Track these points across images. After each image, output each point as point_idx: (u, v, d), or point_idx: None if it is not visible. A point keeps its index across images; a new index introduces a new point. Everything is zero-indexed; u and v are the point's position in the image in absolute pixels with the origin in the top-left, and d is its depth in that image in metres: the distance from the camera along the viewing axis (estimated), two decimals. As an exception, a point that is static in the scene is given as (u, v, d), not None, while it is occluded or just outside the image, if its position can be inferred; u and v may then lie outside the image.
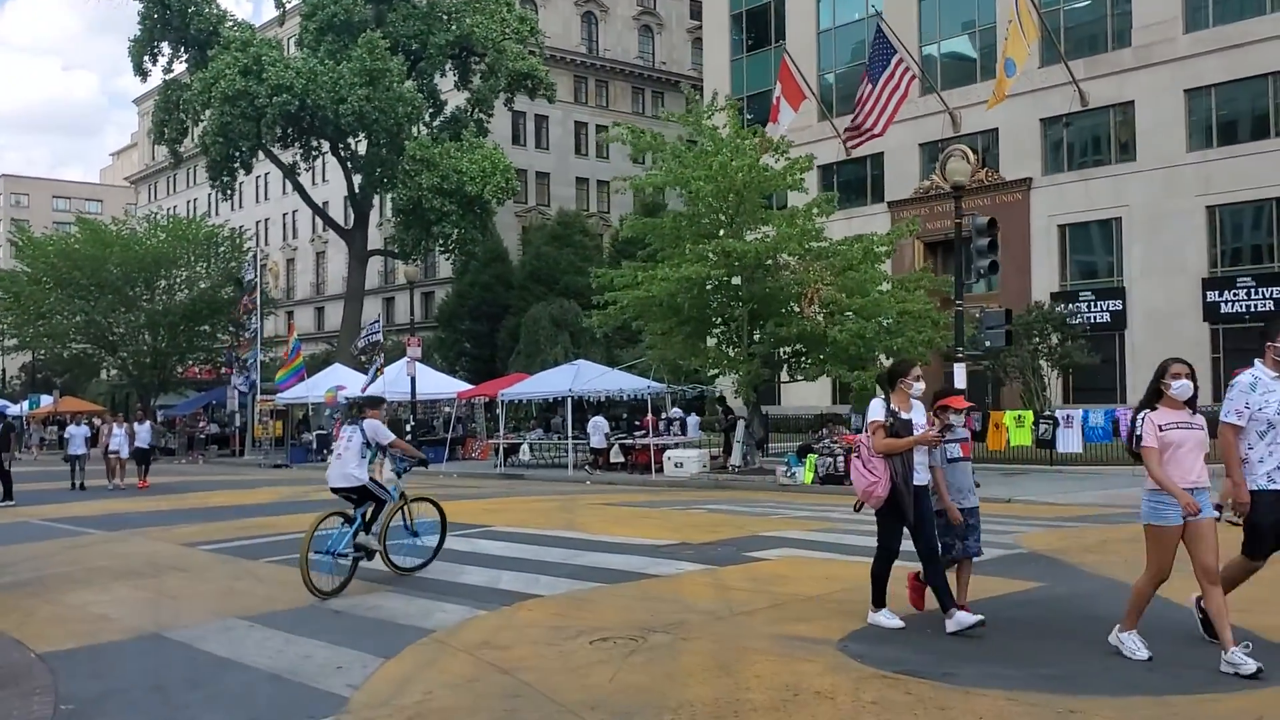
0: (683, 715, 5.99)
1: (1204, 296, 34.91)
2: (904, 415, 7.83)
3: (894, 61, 36.13)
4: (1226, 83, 34.72)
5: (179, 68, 51.09)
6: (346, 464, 10.65)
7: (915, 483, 7.78)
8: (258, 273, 41.86)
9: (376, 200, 53.10)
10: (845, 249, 24.32)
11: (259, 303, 41.68)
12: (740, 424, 25.73)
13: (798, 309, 23.68)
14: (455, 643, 8.12)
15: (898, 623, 8.01)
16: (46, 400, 56.92)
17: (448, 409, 40.04)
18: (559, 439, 32.26)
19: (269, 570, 12.17)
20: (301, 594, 10.45)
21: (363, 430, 10.71)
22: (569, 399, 29.41)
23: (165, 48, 49.75)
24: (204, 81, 43.34)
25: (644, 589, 10.06)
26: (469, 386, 38.26)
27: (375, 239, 57.57)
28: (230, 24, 47.77)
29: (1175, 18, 35.76)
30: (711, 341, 26.46)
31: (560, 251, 55.29)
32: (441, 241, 46.21)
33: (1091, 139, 38.68)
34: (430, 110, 48.46)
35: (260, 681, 7.28)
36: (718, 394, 33.89)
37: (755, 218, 24.78)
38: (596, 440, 28.53)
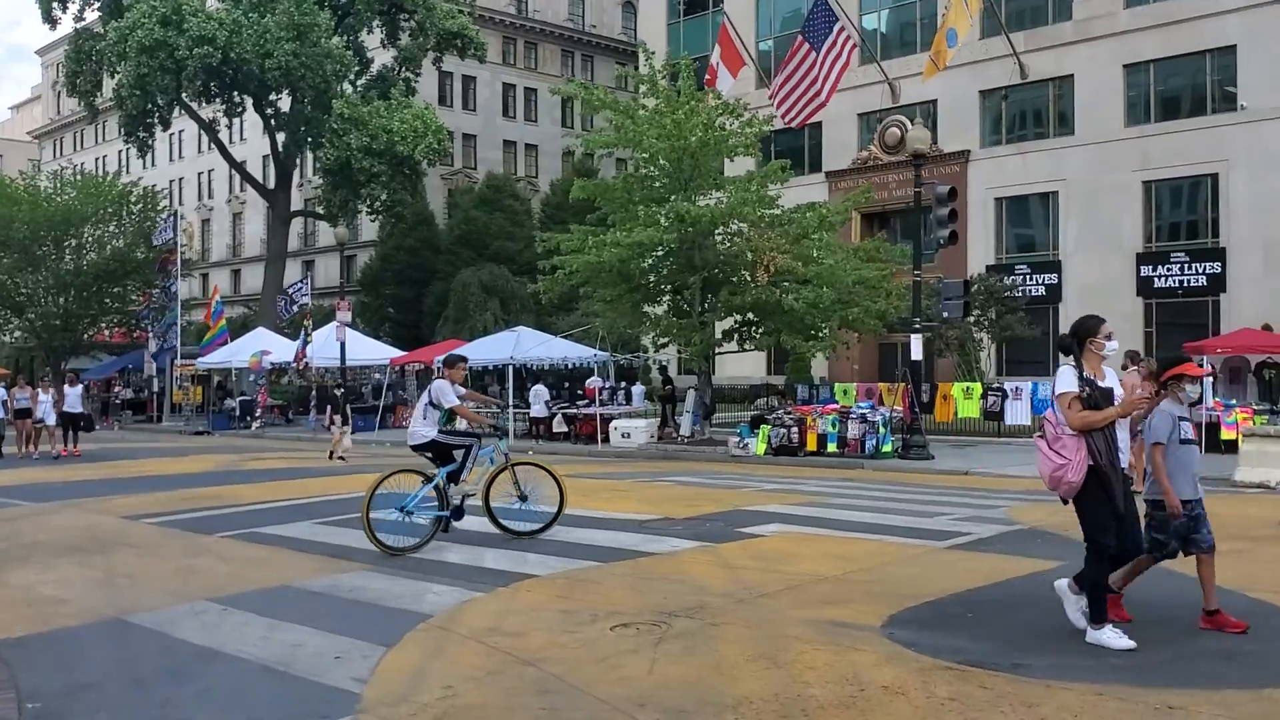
0: (746, 714, 5.46)
1: (1138, 271, 35.37)
2: (1102, 383, 6.62)
3: (835, 30, 35.76)
4: (1165, 59, 35.07)
5: (90, 16, 48.66)
6: (415, 421, 11.03)
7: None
8: (176, 232, 40.07)
9: (299, 160, 51.31)
10: (799, 216, 23.91)
11: (178, 263, 39.92)
12: (691, 394, 25.27)
13: (750, 277, 23.21)
14: (459, 629, 7.49)
15: (1128, 643, 6.45)
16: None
17: (378, 375, 38.96)
18: (498, 408, 31.43)
19: (228, 546, 11.35)
20: (269, 573, 9.73)
21: (430, 390, 10.93)
22: (509, 367, 28.62)
23: (79, -9, 47.32)
24: (120, 31, 41.23)
25: (643, 568, 9.51)
26: (401, 353, 37.16)
27: (297, 200, 55.71)
28: (146, -30, 45.47)
29: (1116, -8, 36.00)
30: (661, 309, 25.89)
31: (490, 216, 54.22)
32: (370, 203, 44.77)
33: (1031, 112, 38.87)
34: (356, 68, 46.79)
35: (252, 674, 6.58)
36: (659, 363, 33.42)
37: (708, 182, 24.22)
38: (538, 409, 27.84)
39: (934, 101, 39.77)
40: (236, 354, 36.47)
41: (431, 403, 10.85)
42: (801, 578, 8.80)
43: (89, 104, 49.24)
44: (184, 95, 43.78)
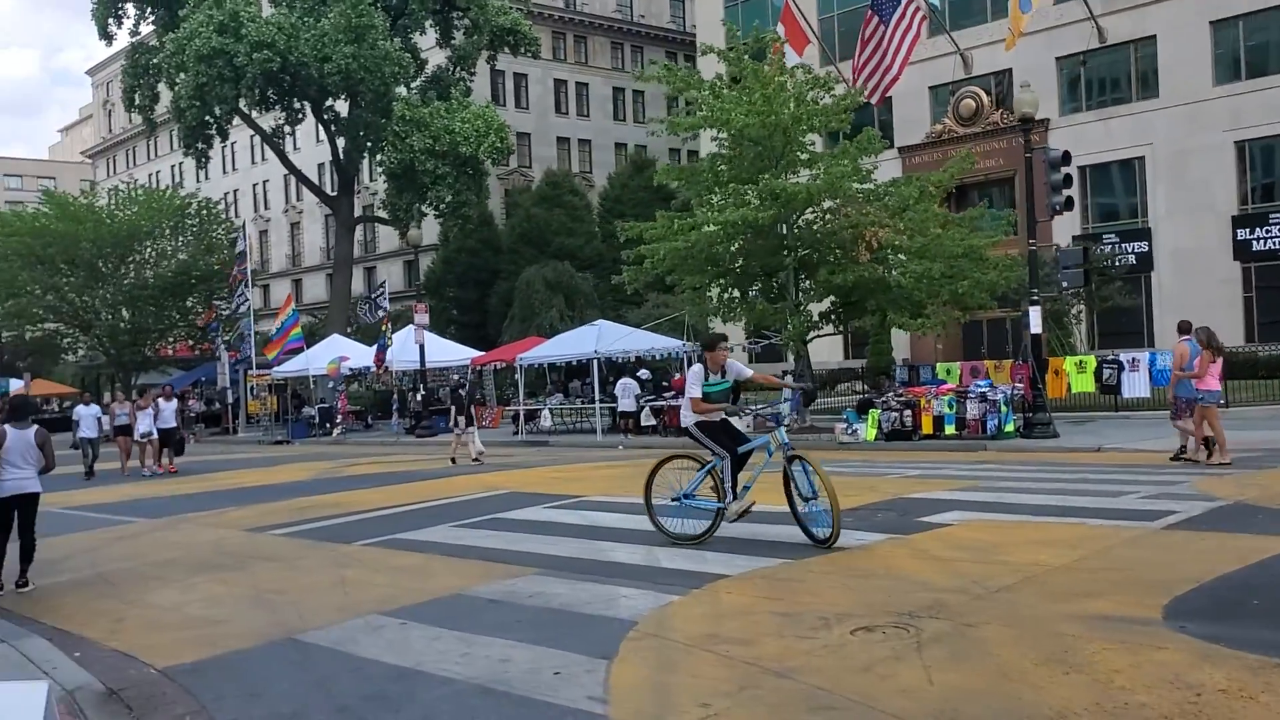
0: (1081, 728, 4.68)
1: (1234, 235, 33.99)
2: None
3: (904, 1, 34.71)
4: (1254, 12, 33.62)
5: (145, 29, 48.67)
6: (685, 408, 10.32)
7: None
8: (245, 243, 39.82)
9: (360, 165, 51.00)
10: (898, 189, 22.97)
11: (248, 273, 39.68)
12: (787, 379, 24.35)
13: (850, 254, 22.32)
14: (676, 636, 6.78)
15: None
16: (17, 384, 54.59)
17: (456, 376, 38.48)
18: (583, 403, 30.83)
19: (373, 555, 10.72)
20: (433, 582, 9.08)
21: (691, 373, 10.23)
22: (594, 361, 27.94)
23: (130, 8, 47.32)
24: (177, 42, 41.07)
25: (842, 564, 8.72)
26: (478, 353, 36.64)
27: (357, 206, 55.47)
28: (199, -20, 45.37)
29: (1197, -54, 34.62)
30: (751, 292, 25.04)
31: (550, 213, 53.60)
32: (435, 205, 44.29)
33: (1110, 77, 37.53)
34: (413, 70, 46.39)
35: (471, 696, 5.90)
36: (749, 352, 32.44)
37: (799, 159, 23.31)
38: (626, 403, 27.09)
39: (1008, 71, 38.55)
40: (313, 361, 36.14)
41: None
42: (1031, 568, 7.98)
43: (147, 118, 49.28)
44: (242, 103, 43.56)
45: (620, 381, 27.43)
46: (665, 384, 28.55)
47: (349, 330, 45.42)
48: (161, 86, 47.11)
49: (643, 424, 27.40)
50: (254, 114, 46.95)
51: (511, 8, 49.45)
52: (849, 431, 22.01)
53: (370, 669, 6.64)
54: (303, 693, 6.27)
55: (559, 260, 50.57)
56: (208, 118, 44.41)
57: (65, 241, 45.60)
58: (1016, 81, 38.64)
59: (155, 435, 23.41)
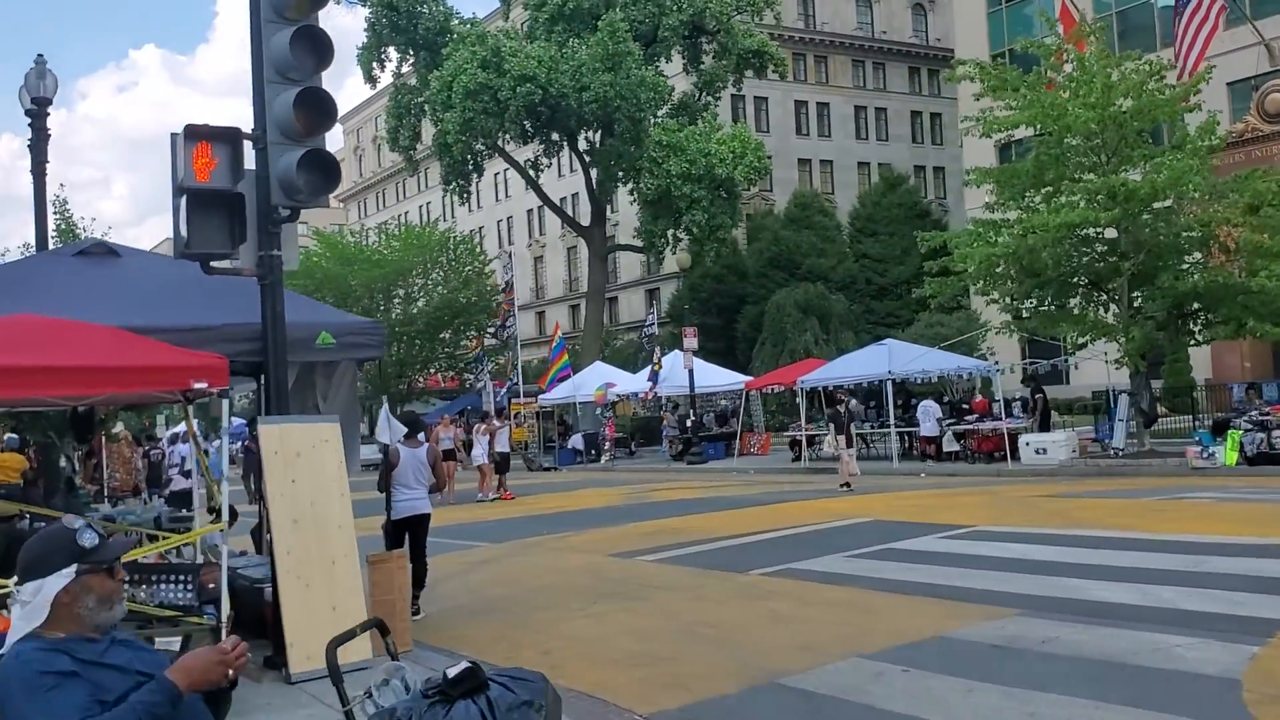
0: None
1: None
2: None
3: (1201, -9, 31.79)
4: None
5: (406, 70, 50.44)
6: None
7: None
8: (512, 273, 40.25)
9: (613, 194, 51.20)
10: (1253, 183, 20.49)
11: (514, 303, 40.08)
12: (1123, 399, 22.17)
13: (1200, 257, 20.03)
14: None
15: None
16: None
17: (724, 402, 37.68)
18: (872, 428, 29.26)
19: (785, 586, 9.64)
20: (893, 622, 7.87)
21: None
22: (887, 383, 26.35)
23: (392, 52, 49.11)
24: (441, 79, 42.14)
25: None
26: (747, 377, 35.64)
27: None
28: (458, 21, 46.68)
29: None
30: (1070, 303, 22.97)
31: (799, 234, 52.31)
32: (690, 230, 43.74)
33: None
34: (665, 96, 46.17)
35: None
36: (1031, 369, 30.12)
37: (1135, 155, 21.17)
38: (928, 427, 25.34)
39: (1322, 59, 34.78)
40: (579, 388, 35.98)
41: None
42: None
43: (409, 157, 50.97)
44: (506, 136, 44.34)
45: (921, 404, 25.72)
46: (965, 406, 26.66)
47: (602, 357, 45.41)
48: (424, 124, 48.62)
49: (945, 450, 25.60)
50: (512, 147, 47.82)
51: (758, 30, 48.68)
52: (1204, 455, 19.65)
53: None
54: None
55: (810, 282, 49.23)
56: (466, 155, 45.44)
57: (337, 281, 47.51)
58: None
59: (484, 459, 22.89)
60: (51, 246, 16.56)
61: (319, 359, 8.05)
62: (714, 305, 54.80)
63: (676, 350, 35.08)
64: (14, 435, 20.11)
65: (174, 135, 7.07)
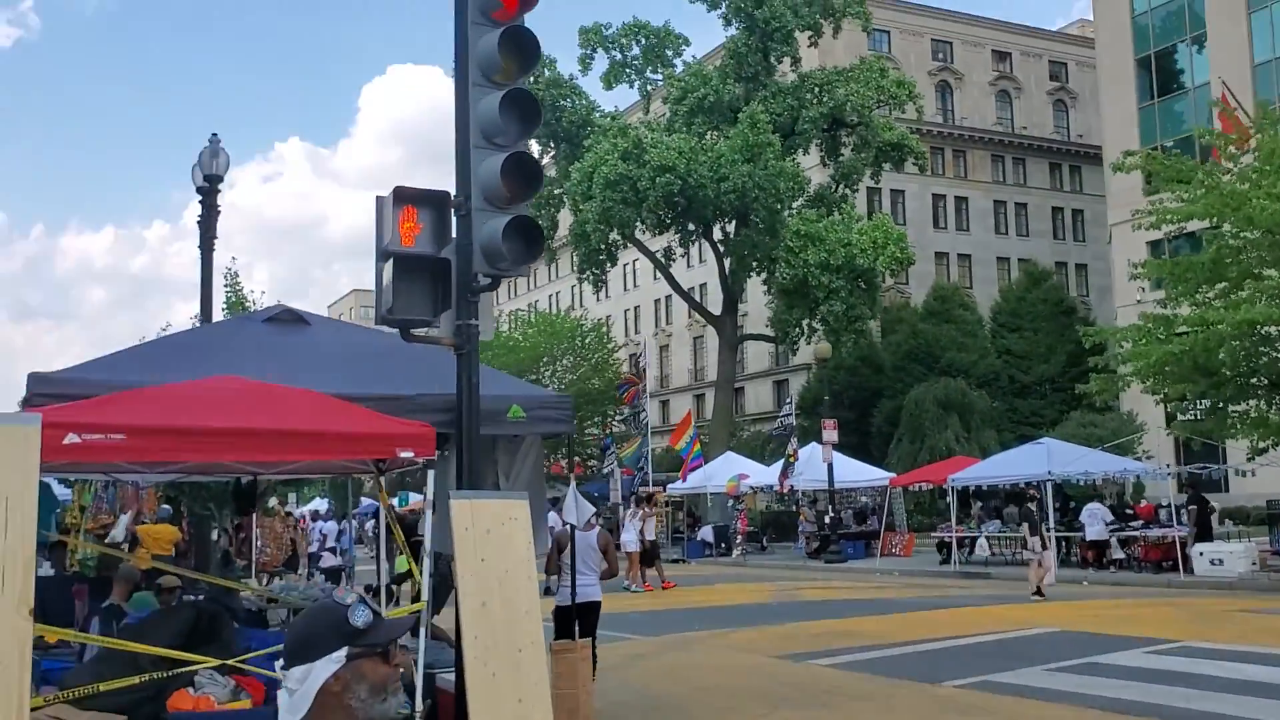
0: None
1: None
2: None
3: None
4: None
5: (546, 162, 51.41)
6: None
7: None
8: (647, 358, 40.12)
9: (745, 284, 50.99)
10: None
11: (645, 389, 39.85)
12: None
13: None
14: None
15: None
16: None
17: (864, 499, 36.55)
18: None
19: (988, 701, 8.86)
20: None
21: None
22: (1047, 484, 25.06)
23: (534, 145, 50.16)
24: (583, 170, 42.71)
25: None
26: (889, 474, 34.52)
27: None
28: (599, 114, 47.50)
29: None
30: (1248, 404, 21.56)
31: (939, 328, 51.15)
32: (827, 320, 43.07)
33: None
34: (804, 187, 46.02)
35: None
36: (1185, 475, 28.40)
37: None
38: (1095, 530, 23.91)
39: None
40: (710, 479, 35.33)
41: None
42: None
43: (546, 247, 51.67)
44: (644, 225, 44.61)
45: (1087, 507, 24.33)
46: (1129, 511, 25.17)
47: (729, 447, 44.69)
48: (561, 214, 49.31)
49: (1108, 557, 24.14)
50: (647, 237, 48.10)
51: (897, 124, 48.34)
52: None
53: None
54: None
55: (950, 377, 47.91)
56: (601, 245, 45.78)
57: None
58: None
59: (632, 546, 22.20)
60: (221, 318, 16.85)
61: (509, 432, 7.69)
62: (847, 398, 53.62)
63: (813, 443, 34.24)
64: (167, 506, 20.41)
65: (380, 198, 6.90)
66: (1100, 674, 9.79)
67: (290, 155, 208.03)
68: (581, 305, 76.47)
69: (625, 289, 78.04)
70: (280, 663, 2.65)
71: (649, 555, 22.22)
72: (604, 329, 54.96)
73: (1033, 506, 20.26)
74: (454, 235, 7.11)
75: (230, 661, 5.70)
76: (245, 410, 5.43)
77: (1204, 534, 23.47)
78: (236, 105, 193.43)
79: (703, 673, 10.92)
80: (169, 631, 5.99)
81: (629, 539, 22.40)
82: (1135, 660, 10.41)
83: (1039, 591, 18.25)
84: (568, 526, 9.58)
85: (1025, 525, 19.83)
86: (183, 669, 5.42)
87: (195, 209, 16.28)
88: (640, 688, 10.30)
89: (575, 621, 9.35)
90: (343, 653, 2.57)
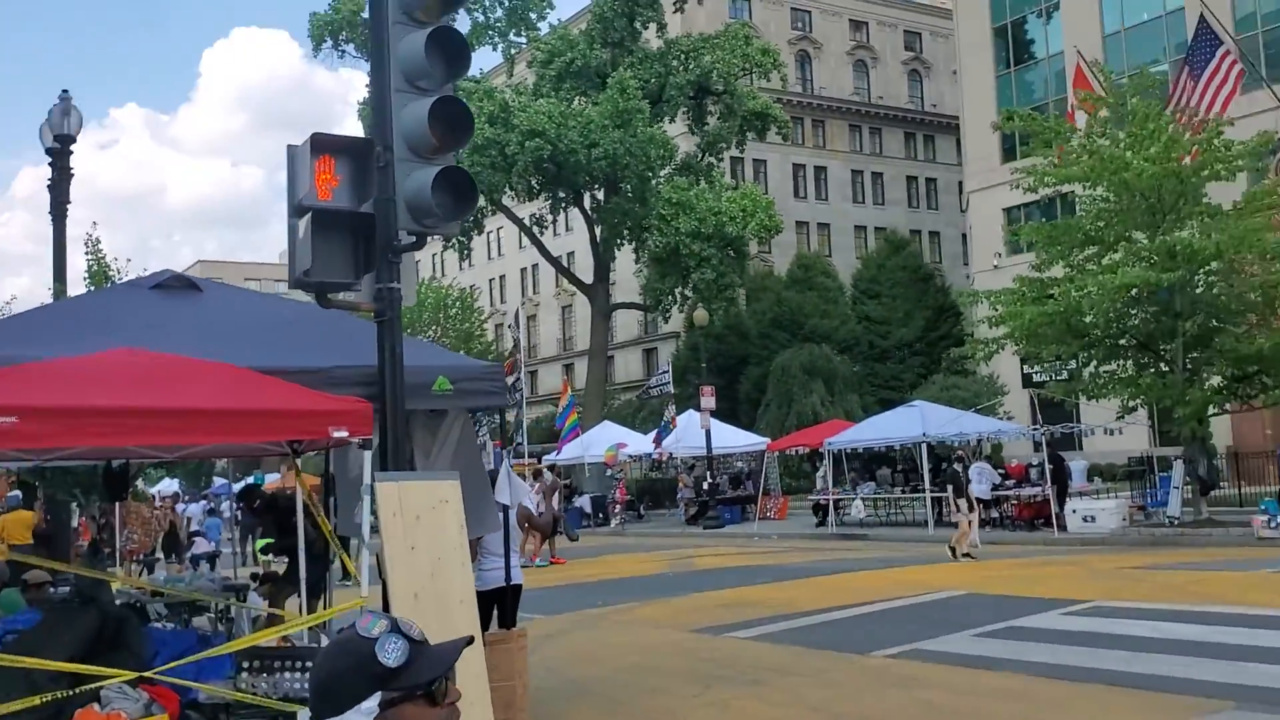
0: None
1: None
2: None
3: (1219, 55, 31.64)
4: None
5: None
6: None
7: None
8: (520, 330, 39.23)
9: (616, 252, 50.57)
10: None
11: (521, 363, 39.00)
12: (1178, 465, 21.34)
13: (1264, 318, 19.39)
14: None
15: None
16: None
17: (739, 464, 36.73)
18: (903, 491, 28.36)
19: (924, 671, 8.63)
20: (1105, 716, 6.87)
21: None
22: (921, 446, 25.49)
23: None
24: (448, 135, 41.52)
25: None
26: (765, 439, 34.71)
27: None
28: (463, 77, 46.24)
29: None
30: (1119, 364, 22.26)
31: (802, 296, 51.79)
32: (698, 288, 43.03)
33: None
34: (671, 155, 45.78)
35: None
36: (1047, 434, 29.31)
37: (1190, 211, 20.60)
38: (982, 490, 24.20)
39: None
40: (588, 448, 34.92)
41: None
42: None
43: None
44: (514, 192, 43.67)
45: (974, 465, 24.55)
46: (1002, 470, 25.80)
47: (603, 416, 44.41)
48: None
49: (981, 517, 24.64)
50: (516, 204, 47.16)
51: (761, 94, 48.50)
52: (1272, 524, 18.81)
53: None
54: None
55: (815, 343, 48.59)
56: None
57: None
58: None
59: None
60: (84, 289, 15.59)
61: (436, 406, 7.08)
62: (715, 365, 53.93)
63: (689, 409, 34.16)
64: (16, 493, 18.88)
65: (293, 147, 6.18)
66: (1026, 638, 9.74)
67: (128, 121, 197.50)
68: (444, 274, 74.81)
69: (490, 257, 76.76)
70: (306, 713, 2.07)
71: (553, 529, 21.70)
72: (469, 299, 53.68)
73: (959, 468, 20.26)
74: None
75: (149, 674, 4.97)
76: (161, 387, 4.71)
77: (1062, 493, 24.16)
78: (69, 68, 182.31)
79: (619, 652, 10.50)
80: (69, 640, 5.23)
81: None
82: (1055, 623, 10.42)
83: (968, 554, 18.33)
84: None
85: (950, 488, 19.93)
86: (87, 685, 4.69)
87: (21, 176, 14.89)
88: (556, 671, 9.81)
89: (495, 607, 8.80)
90: (374, 701, 2.01)
